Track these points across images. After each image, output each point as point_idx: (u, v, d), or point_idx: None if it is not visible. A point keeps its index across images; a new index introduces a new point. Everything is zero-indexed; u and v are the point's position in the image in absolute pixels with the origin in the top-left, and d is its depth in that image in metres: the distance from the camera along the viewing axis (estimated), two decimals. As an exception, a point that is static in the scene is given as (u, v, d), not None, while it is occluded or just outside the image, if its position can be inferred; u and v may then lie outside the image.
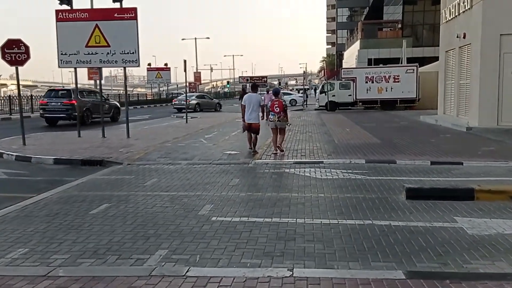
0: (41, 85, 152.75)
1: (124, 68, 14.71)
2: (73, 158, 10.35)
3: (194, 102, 35.56)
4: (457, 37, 17.17)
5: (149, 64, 41.97)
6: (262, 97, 13.68)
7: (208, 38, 77.32)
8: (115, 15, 13.97)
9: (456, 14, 17.62)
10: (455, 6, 17.74)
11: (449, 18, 18.58)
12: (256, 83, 14.14)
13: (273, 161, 9.71)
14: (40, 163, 10.37)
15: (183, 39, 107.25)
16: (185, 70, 21.33)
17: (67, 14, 14.15)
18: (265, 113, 11.65)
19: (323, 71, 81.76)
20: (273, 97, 10.95)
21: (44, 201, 6.65)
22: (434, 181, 7.50)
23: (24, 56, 12.56)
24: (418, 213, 5.67)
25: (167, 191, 7.14)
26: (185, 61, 21.16)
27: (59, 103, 20.51)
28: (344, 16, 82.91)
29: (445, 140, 12.98)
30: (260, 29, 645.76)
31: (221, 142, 13.15)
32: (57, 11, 14.19)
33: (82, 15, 14.06)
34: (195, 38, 74.77)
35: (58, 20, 14.12)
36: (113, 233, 5.04)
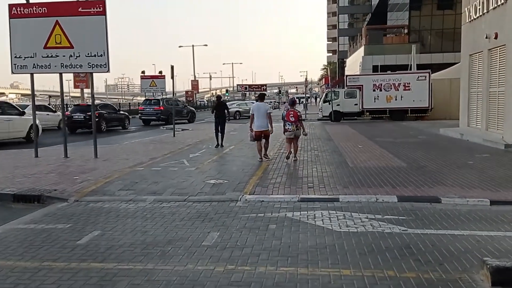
0: (40, 94, 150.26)
1: (91, 74, 12.21)
2: (3, 191, 7.77)
3: (234, 110, 33.17)
4: (487, 37, 14.70)
5: (143, 72, 39.81)
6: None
7: (206, 45, 75.09)
8: (79, 9, 11.55)
9: (484, 11, 15.16)
10: (482, 2, 15.28)
11: (475, 17, 16.12)
12: (263, 93, 13.31)
13: (270, 197, 7.16)
14: (-38, 198, 7.83)
15: (180, 46, 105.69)
16: (172, 77, 18.94)
17: (22, 9, 11.73)
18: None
19: (324, 79, 79.32)
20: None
21: None
22: (514, 240, 4.95)
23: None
24: (532, 328, 3.12)
25: (103, 259, 4.58)
26: (172, 67, 18.76)
27: (152, 109, 28.66)
28: (346, 23, 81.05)
29: (486, 162, 10.42)
30: (260, 37, 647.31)
31: (206, 165, 10.62)
32: (11, 6, 11.78)
33: (40, 10, 11.64)
34: (192, 46, 72.89)
35: (11, 16, 11.72)
36: None
